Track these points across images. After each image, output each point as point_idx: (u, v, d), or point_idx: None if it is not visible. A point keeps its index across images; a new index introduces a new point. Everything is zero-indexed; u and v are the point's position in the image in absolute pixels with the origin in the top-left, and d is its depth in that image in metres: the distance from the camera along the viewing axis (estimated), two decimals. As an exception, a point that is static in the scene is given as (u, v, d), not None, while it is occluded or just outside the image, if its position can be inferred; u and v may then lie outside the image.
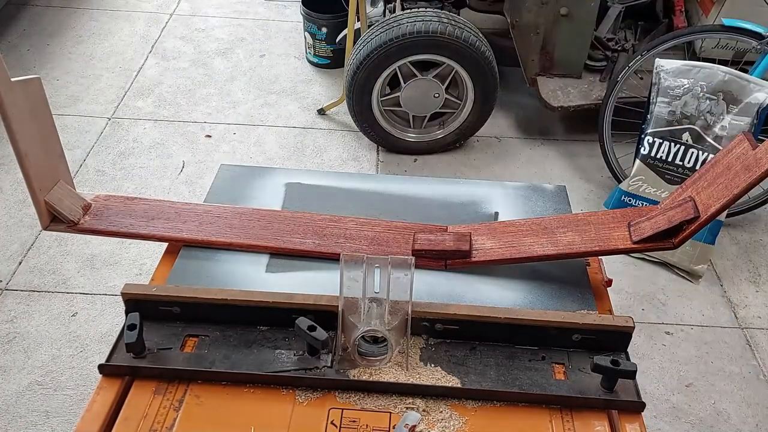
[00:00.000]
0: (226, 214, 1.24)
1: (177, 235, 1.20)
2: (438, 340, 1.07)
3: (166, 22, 4.26)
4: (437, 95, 3.05)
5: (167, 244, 1.25)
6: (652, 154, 2.79)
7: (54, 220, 1.18)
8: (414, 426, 0.94)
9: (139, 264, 2.70)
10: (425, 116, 3.16)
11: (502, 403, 0.99)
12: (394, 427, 0.94)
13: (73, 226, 1.19)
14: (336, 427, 0.94)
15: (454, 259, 1.20)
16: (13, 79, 1.03)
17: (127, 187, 3.06)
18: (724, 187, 1.10)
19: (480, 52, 2.90)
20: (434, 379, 1.00)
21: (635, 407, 0.99)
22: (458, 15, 3.22)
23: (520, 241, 1.19)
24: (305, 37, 3.81)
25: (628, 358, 1.04)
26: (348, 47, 3.28)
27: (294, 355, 1.02)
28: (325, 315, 1.03)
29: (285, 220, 1.23)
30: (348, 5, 3.20)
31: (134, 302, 1.05)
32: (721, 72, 2.70)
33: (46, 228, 1.18)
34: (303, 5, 3.66)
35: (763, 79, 2.73)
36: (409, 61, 2.94)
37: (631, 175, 2.84)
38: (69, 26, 4.15)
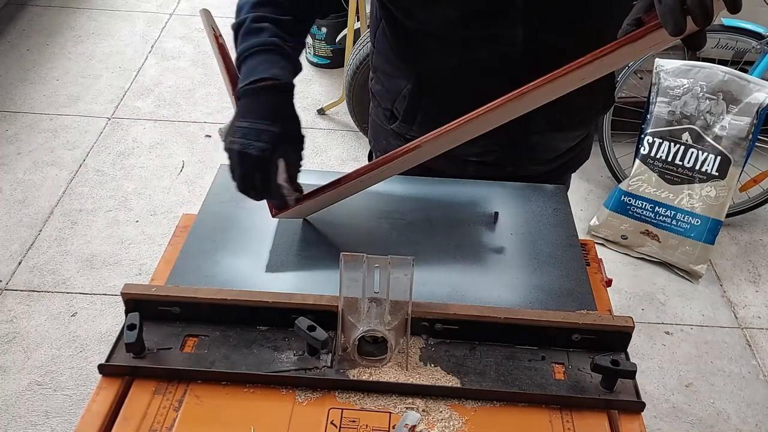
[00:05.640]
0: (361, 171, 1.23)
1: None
2: (438, 340, 1.07)
3: (166, 22, 4.26)
4: (437, 95, 3.05)
5: (166, 244, 1.27)
6: (652, 154, 2.79)
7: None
8: (414, 426, 0.93)
9: (139, 264, 2.70)
10: (425, 116, 3.15)
11: (502, 403, 0.99)
12: (394, 427, 0.94)
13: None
14: (336, 427, 0.94)
15: None
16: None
17: (127, 187, 3.06)
18: None
19: (480, 52, 2.90)
20: (434, 379, 1.00)
21: (635, 407, 0.99)
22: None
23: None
24: (305, 37, 3.81)
25: (628, 358, 1.04)
26: (348, 47, 3.28)
27: (294, 355, 1.02)
28: (325, 315, 1.02)
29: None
30: (348, 5, 3.20)
31: (134, 302, 1.05)
32: (721, 72, 2.70)
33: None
34: (303, 5, 3.66)
35: (763, 79, 2.73)
36: (408, 61, 2.93)
37: (631, 175, 2.83)
38: (68, 26, 4.15)
